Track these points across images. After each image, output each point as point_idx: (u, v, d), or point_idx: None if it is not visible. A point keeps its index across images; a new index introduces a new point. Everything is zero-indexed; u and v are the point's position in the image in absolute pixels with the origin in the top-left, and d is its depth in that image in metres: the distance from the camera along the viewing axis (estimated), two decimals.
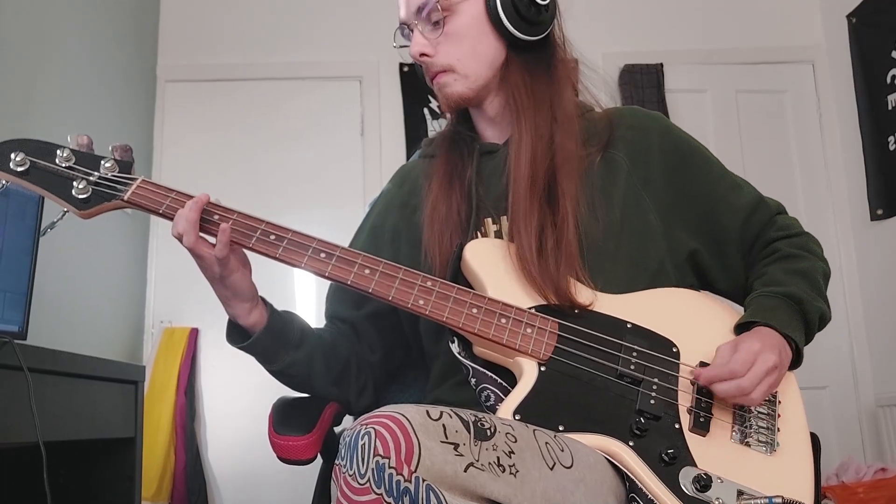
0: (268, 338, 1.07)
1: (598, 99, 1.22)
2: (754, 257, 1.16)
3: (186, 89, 3.40)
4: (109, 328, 2.89)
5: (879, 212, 3.15)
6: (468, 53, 1.12)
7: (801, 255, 1.12)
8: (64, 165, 1.03)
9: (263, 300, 1.09)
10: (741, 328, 1.04)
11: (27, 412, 1.38)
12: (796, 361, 1.03)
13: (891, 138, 3.09)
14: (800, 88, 3.50)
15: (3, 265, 1.60)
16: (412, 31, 1.13)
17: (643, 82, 3.38)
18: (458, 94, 1.14)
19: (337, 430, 1.20)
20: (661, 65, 3.41)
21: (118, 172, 1.05)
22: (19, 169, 1.02)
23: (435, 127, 3.35)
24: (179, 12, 3.49)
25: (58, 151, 1.03)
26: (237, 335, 1.08)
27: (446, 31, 1.11)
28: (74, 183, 1.02)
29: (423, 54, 1.12)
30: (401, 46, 1.18)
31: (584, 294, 1.03)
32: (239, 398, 3.09)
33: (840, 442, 3.11)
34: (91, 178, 1.03)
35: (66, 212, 1.04)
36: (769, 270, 1.11)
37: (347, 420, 1.24)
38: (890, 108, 3.10)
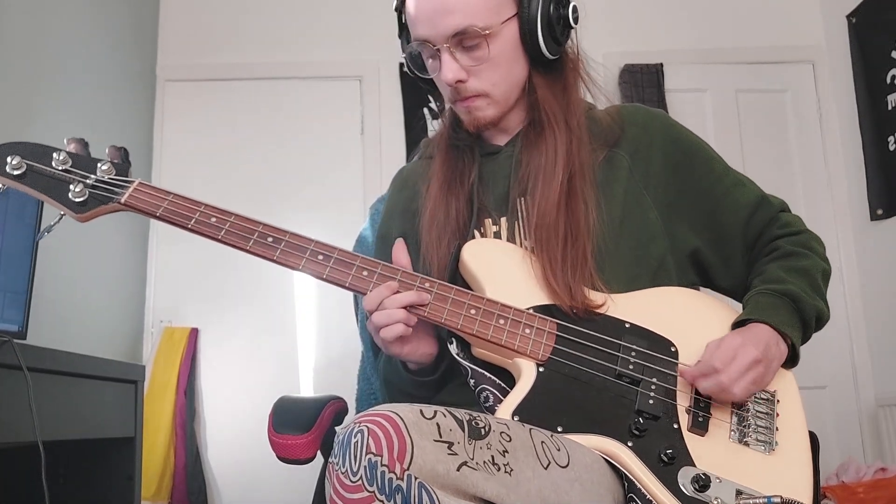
0: (449, 372, 1.10)
1: (597, 95, 1.22)
2: (756, 255, 1.16)
3: (186, 89, 3.40)
4: (109, 328, 2.89)
5: (879, 212, 3.15)
6: (503, 78, 1.11)
7: (802, 252, 1.12)
8: (60, 168, 1.03)
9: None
10: (738, 326, 1.04)
11: (27, 412, 1.38)
12: (793, 360, 1.03)
13: (891, 138, 3.08)
14: (800, 88, 3.49)
15: (2, 265, 1.60)
16: (440, 51, 1.09)
17: (643, 82, 3.37)
18: (489, 119, 1.14)
19: (338, 429, 1.20)
20: (661, 65, 3.41)
21: (115, 175, 1.04)
22: (16, 172, 1.01)
23: (435, 126, 3.33)
24: (179, 12, 3.48)
25: (54, 154, 1.03)
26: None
27: (482, 56, 1.09)
28: (71, 186, 1.02)
29: (459, 81, 1.10)
30: (406, 54, 1.15)
31: (597, 297, 1.03)
32: (239, 398, 3.09)
33: (840, 442, 3.11)
34: (88, 181, 1.03)
35: (62, 215, 1.04)
36: (769, 268, 1.11)
37: (348, 420, 1.23)
38: (890, 108, 3.10)
